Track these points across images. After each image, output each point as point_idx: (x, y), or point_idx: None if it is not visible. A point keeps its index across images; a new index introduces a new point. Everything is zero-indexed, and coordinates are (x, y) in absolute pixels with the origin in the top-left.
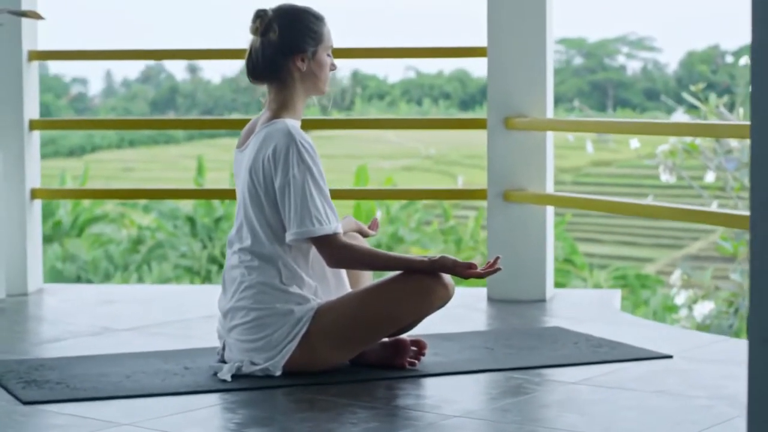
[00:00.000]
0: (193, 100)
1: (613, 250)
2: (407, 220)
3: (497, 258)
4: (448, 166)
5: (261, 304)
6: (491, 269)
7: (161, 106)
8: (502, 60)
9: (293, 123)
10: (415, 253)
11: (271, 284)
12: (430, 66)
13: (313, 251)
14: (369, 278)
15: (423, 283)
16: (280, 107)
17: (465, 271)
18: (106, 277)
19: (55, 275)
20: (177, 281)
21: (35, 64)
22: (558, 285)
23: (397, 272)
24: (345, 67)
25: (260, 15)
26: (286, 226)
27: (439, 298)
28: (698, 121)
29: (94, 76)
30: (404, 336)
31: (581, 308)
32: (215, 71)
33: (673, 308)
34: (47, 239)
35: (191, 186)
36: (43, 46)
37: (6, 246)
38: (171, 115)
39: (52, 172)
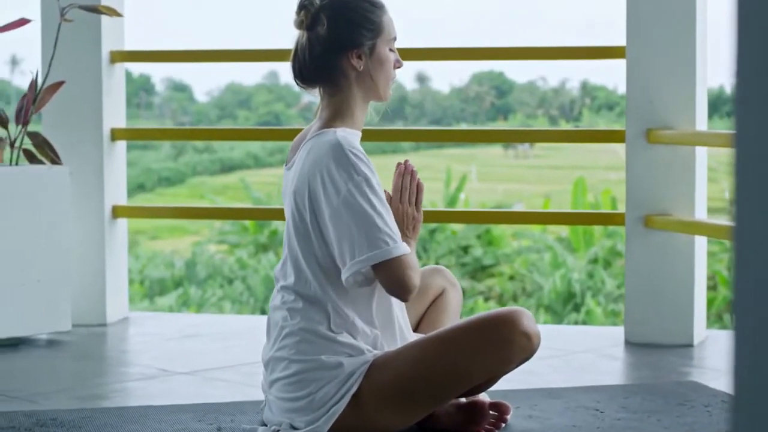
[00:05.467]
0: (422, 110)
1: None
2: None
3: None
4: None
5: (304, 355)
6: None
7: (390, 115)
8: (643, 61)
9: (345, 133)
10: None
11: (317, 331)
12: None
13: (379, 292)
14: (454, 318)
15: (497, 332)
16: (334, 115)
17: None
18: None
19: (268, 283)
20: None
21: (120, 66)
22: None
23: (470, 318)
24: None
25: (305, 5)
26: (343, 255)
27: (518, 351)
28: None
29: None
30: (483, 396)
31: None
32: (444, 81)
33: None
34: (263, 248)
35: None
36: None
37: (79, 271)
38: (399, 125)
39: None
